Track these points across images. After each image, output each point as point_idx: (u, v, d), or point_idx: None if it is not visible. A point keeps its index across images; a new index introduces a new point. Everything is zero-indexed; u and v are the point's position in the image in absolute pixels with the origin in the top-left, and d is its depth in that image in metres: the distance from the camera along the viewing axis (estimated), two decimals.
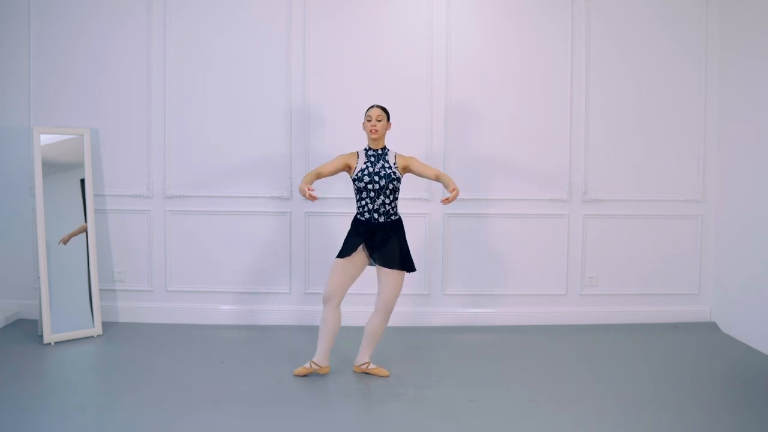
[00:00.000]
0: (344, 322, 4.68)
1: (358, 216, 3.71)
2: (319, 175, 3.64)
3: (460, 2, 4.77)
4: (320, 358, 3.72)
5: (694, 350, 4.33)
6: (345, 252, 3.65)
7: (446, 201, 3.44)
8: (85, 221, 4.54)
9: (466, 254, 4.85)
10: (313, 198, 3.40)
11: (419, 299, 4.86)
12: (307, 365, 3.73)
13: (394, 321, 4.68)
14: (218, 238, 4.81)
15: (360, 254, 3.68)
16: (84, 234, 4.54)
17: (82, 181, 4.56)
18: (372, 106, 3.72)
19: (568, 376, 3.81)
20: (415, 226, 4.81)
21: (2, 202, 4.77)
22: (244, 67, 4.74)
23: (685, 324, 4.87)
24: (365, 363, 3.78)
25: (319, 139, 4.75)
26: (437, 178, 3.69)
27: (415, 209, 4.81)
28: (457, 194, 3.45)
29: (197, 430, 3.06)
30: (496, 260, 4.86)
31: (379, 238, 3.64)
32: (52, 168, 4.45)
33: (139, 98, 4.74)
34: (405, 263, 3.68)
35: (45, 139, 4.42)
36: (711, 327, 4.83)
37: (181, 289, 4.83)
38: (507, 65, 4.80)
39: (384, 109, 3.71)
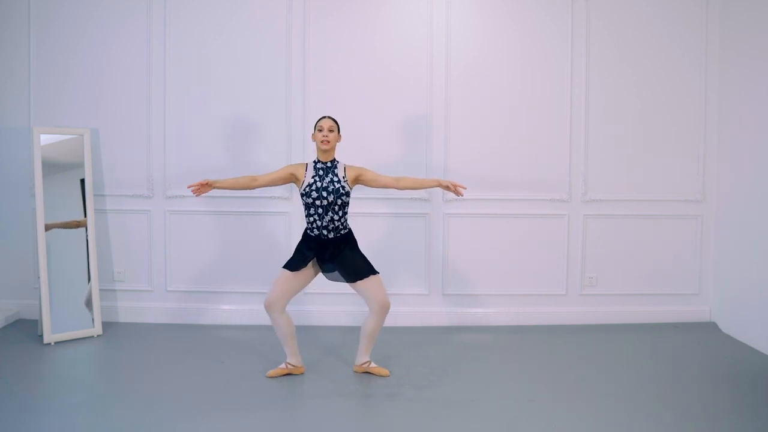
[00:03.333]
0: (339, 322, 4.74)
1: (308, 231, 3.65)
2: (254, 180, 3.58)
3: (460, 2, 4.77)
4: (294, 359, 3.73)
5: (694, 350, 4.33)
6: (293, 266, 3.60)
7: (459, 192, 3.62)
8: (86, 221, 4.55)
9: (466, 254, 4.85)
10: (195, 192, 3.58)
11: (419, 299, 4.86)
12: (283, 366, 3.72)
13: (393, 321, 4.69)
14: (218, 238, 4.81)
15: (308, 268, 3.64)
16: (84, 234, 4.54)
17: (82, 181, 4.56)
18: (323, 117, 3.65)
19: (568, 376, 3.81)
20: (415, 226, 4.81)
21: (2, 202, 4.77)
22: (244, 67, 4.74)
23: (685, 324, 4.87)
24: (366, 362, 3.78)
25: None
26: (398, 183, 3.66)
27: (415, 209, 4.81)
28: (455, 185, 3.62)
29: (197, 429, 3.06)
30: (496, 260, 4.86)
31: (330, 253, 3.59)
32: (52, 168, 4.45)
33: (139, 98, 4.75)
34: (370, 268, 3.64)
35: (45, 139, 4.42)
36: (711, 327, 4.83)
37: (181, 289, 4.83)
38: (507, 65, 4.80)
39: (335, 121, 3.66)
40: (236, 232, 4.80)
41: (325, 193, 3.54)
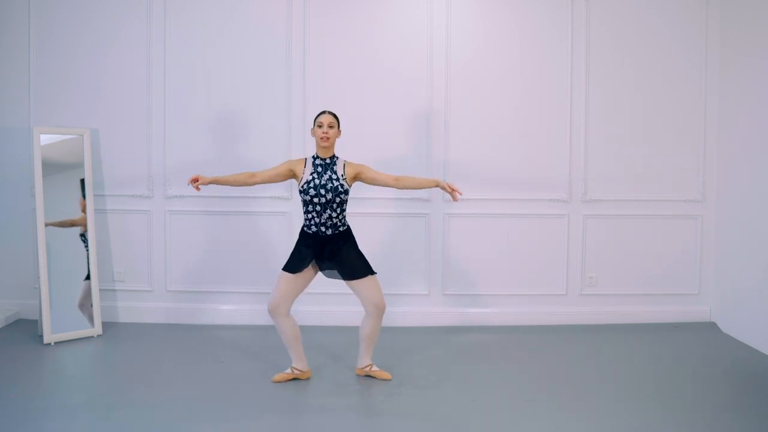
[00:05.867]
0: (339, 322, 4.74)
1: (305, 228, 3.58)
2: (251, 178, 3.51)
3: (460, 2, 4.77)
4: (300, 363, 3.65)
5: (694, 350, 4.32)
6: (293, 268, 3.52)
7: (455, 197, 3.58)
8: (86, 221, 4.54)
9: (466, 254, 4.85)
10: (196, 188, 3.50)
11: (419, 299, 4.86)
12: (289, 371, 3.66)
13: (394, 321, 4.69)
14: (218, 238, 4.81)
15: (308, 269, 3.57)
16: (84, 234, 4.54)
17: (82, 181, 4.56)
18: (323, 112, 3.55)
19: (568, 376, 3.81)
20: (415, 226, 4.81)
21: (2, 202, 4.77)
22: (244, 67, 4.74)
23: (685, 324, 4.87)
24: (368, 365, 3.76)
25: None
26: (397, 183, 3.57)
27: (415, 209, 4.81)
28: (453, 189, 3.56)
29: (197, 430, 3.06)
30: (496, 260, 4.85)
31: (329, 251, 3.52)
32: (52, 168, 4.44)
33: (139, 98, 4.75)
34: (368, 268, 3.58)
35: (45, 139, 4.42)
36: (711, 327, 4.83)
37: (181, 289, 4.83)
38: (507, 65, 4.80)
39: (335, 116, 3.56)
40: (236, 232, 4.80)
41: (323, 191, 3.47)
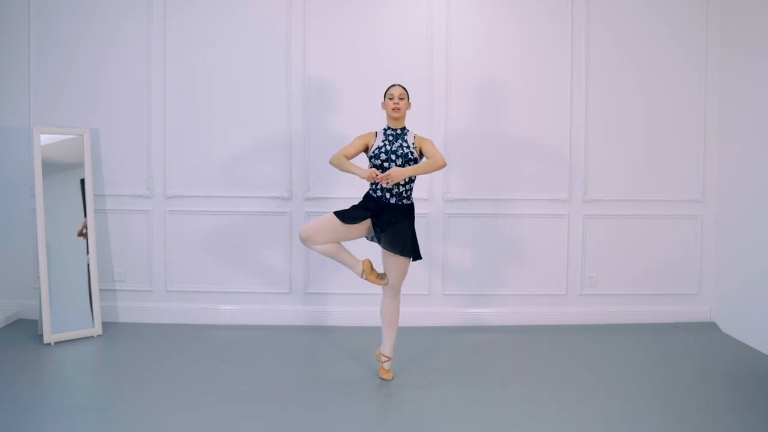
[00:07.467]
0: (351, 323, 4.72)
1: (371, 192, 3.61)
2: (345, 157, 3.55)
3: (460, 2, 4.77)
4: (356, 266, 3.53)
5: (694, 350, 4.33)
6: (344, 217, 3.49)
7: (380, 178, 3.39)
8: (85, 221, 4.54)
9: (466, 254, 4.85)
10: (385, 177, 3.36)
11: (419, 299, 4.86)
12: (362, 277, 3.54)
13: None
14: (218, 238, 4.81)
15: (363, 225, 3.55)
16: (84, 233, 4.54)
17: (82, 181, 4.56)
18: (393, 85, 3.64)
19: (568, 376, 3.81)
20: (416, 226, 4.80)
21: (2, 202, 4.77)
22: (244, 67, 4.74)
23: (685, 324, 4.87)
24: (386, 359, 3.75)
25: (319, 138, 4.75)
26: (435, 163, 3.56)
27: (416, 209, 4.79)
28: (385, 177, 3.37)
29: (197, 430, 3.06)
30: (496, 260, 4.86)
31: (386, 220, 3.53)
32: (52, 168, 4.45)
33: (139, 98, 4.75)
34: (414, 251, 3.62)
35: (45, 139, 4.42)
36: (711, 327, 4.83)
37: (181, 289, 4.83)
38: (507, 65, 4.80)
39: (405, 89, 3.65)
40: (236, 232, 4.80)
41: (393, 156, 3.52)
